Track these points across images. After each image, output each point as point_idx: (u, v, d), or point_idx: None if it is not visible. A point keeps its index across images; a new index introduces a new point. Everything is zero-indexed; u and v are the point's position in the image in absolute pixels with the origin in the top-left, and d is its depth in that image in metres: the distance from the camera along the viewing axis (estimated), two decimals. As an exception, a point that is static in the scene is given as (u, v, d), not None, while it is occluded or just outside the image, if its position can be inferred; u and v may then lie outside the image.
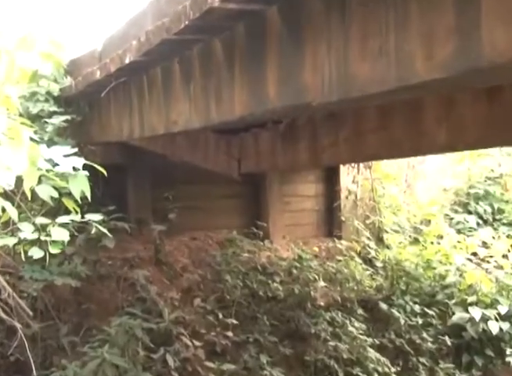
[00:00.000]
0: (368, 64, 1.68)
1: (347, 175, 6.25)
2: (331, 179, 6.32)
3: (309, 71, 1.92)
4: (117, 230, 4.17)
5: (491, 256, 5.91)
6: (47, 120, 4.19)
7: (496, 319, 5.20)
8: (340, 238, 6.08)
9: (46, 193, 2.59)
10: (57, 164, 2.64)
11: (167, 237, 5.21)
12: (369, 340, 5.07)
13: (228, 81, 2.41)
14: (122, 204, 5.18)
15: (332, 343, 4.93)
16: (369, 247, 6.02)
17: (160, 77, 3.04)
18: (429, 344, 5.28)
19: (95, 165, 2.80)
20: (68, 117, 4.22)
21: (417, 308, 5.52)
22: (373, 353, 4.95)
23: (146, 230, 5.28)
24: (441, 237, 6.22)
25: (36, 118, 4.17)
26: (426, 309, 5.49)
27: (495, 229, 6.52)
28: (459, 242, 6.07)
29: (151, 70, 3.08)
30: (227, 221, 5.80)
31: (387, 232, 6.26)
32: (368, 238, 6.06)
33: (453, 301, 5.50)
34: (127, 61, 2.92)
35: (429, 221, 6.55)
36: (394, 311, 5.38)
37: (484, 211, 6.68)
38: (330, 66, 1.82)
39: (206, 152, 4.92)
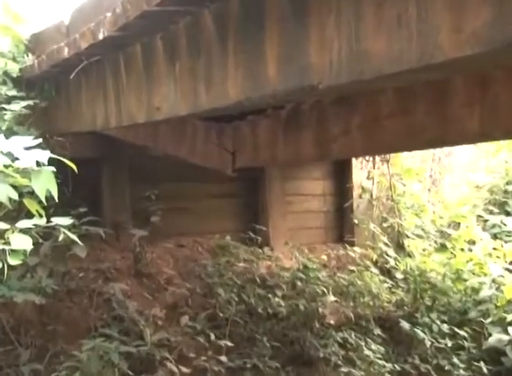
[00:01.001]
0: (384, 39, 1.68)
1: (361, 169, 6.26)
2: (342, 175, 6.34)
3: (315, 48, 1.93)
4: (89, 236, 4.17)
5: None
6: (5, 106, 4.17)
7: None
8: (352, 244, 6.10)
9: (3, 193, 2.59)
10: (17, 159, 2.64)
11: (148, 244, 5.21)
12: (389, 365, 5.08)
13: (221, 60, 2.42)
14: (96, 206, 5.18)
15: (344, 369, 4.93)
16: (388, 255, 6.04)
17: (139, 55, 3.05)
18: (461, 371, 5.27)
19: (64, 159, 2.81)
20: (30, 102, 4.20)
21: (446, 327, 5.52)
22: (393, 381, 4.98)
23: (124, 236, 5.28)
24: (474, 243, 6.23)
25: (-9, 104, 4.18)
26: (456, 329, 5.49)
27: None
28: (495, 249, 6.05)
29: (129, 47, 3.09)
30: (219, 224, 5.81)
31: (408, 237, 6.27)
32: (386, 244, 6.08)
33: (489, 319, 5.46)
34: (100, 37, 2.92)
35: (458, 224, 6.56)
36: (418, 331, 5.38)
37: (526, 211, 6.73)
38: (340, 42, 1.83)
39: (194, 143, 4.93)
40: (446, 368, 5.27)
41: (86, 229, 4.21)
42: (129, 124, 3.38)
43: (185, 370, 4.45)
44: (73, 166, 2.79)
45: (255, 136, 4.77)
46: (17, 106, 4.15)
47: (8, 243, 2.69)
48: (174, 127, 4.79)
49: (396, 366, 5.16)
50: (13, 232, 2.75)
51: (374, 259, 6.01)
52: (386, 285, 5.82)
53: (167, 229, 5.39)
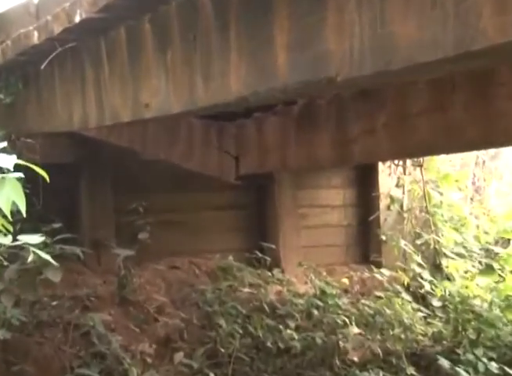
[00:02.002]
0: (414, 22, 1.69)
1: (389, 176, 6.28)
2: (366, 183, 6.36)
3: (332, 32, 1.94)
4: (64, 257, 4.18)
5: None
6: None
7: None
8: (379, 265, 6.11)
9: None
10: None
11: (136, 266, 5.24)
12: (425, 411, 5.09)
13: (221, 48, 2.43)
14: (72, 220, 5.21)
15: (370, 416, 4.94)
16: (422, 279, 6.03)
17: (124, 41, 3.06)
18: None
19: (33, 166, 2.82)
20: (-8, 97, 4.26)
21: (494, 366, 5.47)
22: None
23: (106, 256, 5.30)
24: (526, 264, 6.25)
25: None
26: (507, 369, 5.46)
27: None
28: (552, 271, 6.08)
29: (112, 31, 3.10)
30: (220, 242, 5.83)
31: (446, 256, 6.26)
32: (420, 265, 6.07)
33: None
34: (77, 19, 2.94)
35: (508, 240, 6.55)
36: (460, 370, 5.34)
37: None
38: (362, 25, 1.83)
39: (190, 146, 4.94)
40: (495, 415, 5.27)
41: (60, 248, 4.22)
42: (112, 124, 3.40)
43: (179, 417, 4.46)
44: (45, 173, 2.80)
45: (262, 137, 4.77)
46: (-24, 103, 4.20)
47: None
48: (166, 126, 4.80)
49: (434, 412, 5.16)
50: (-27, 253, 2.76)
51: (406, 283, 5.99)
52: (420, 314, 5.80)
53: (157, 247, 5.41)
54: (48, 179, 2.79)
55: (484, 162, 7.29)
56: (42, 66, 3.57)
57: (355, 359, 5.33)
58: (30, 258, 3.00)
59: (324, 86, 2.05)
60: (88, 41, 3.31)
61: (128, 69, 3.07)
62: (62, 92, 3.82)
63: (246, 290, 5.45)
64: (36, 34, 3.45)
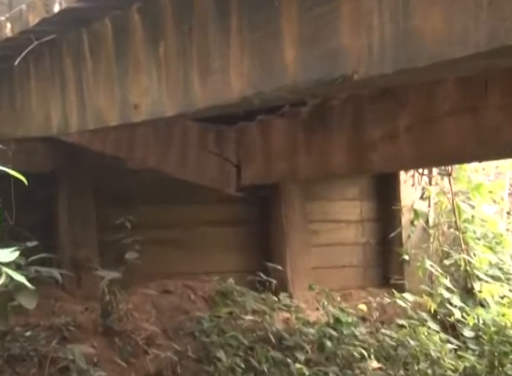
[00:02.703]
0: (442, 12, 1.69)
1: (412, 186, 6.29)
2: (386, 194, 6.39)
3: (348, 25, 1.94)
4: (40, 280, 4.18)
5: None
6: None
7: None
8: (402, 289, 6.10)
9: None
10: None
11: (122, 290, 5.20)
12: None
13: (221, 41, 2.43)
14: (50, 238, 5.23)
15: None
16: (451, 305, 6.01)
17: (110, 34, 3.07)
18: None
19: (7, 173, 2.82)
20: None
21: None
22: None
23: (87, 279, 5.31)
24: None
25: None
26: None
27: None
28: None
29: (96, 23, 3.11)
30: (219, 262, 5.86)
31: (479, 279, 6.25)
32: (448, 289, 6.06)
33: None
34: (56, 9, 2.95)
35: (551, 261, 6.54)
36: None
37: None
38: (382, 17, 1.83)
39: (184, 153, 4.95)
40: None
41: (36, 270, 4.22)
42: (96, 128, 3.41)
43: None
44: (21, 183, 2.80)
45: (267, 142, 4.78)
46: None
47: None
48: (157, 130, 4.81)
49: None
50: None
51: (432, 310, 5.98)
52: (450, 346, 5.79)
53: (147, 269, 5.41)
54: (22, 190, 2.79)
55: (522, 171, 7.29)
56: (16, 63, 3.56)
57: (375, 397, 5.33)
58: (1, 280, 3.00)
59: (339, 85, 2.04)
60: (69, 33, 3.32)
61: (114, 65, 3.08)
62: (38, 92, 3.82)
63: (249, 317, 5.44)
64: (9, 25, 3.46)
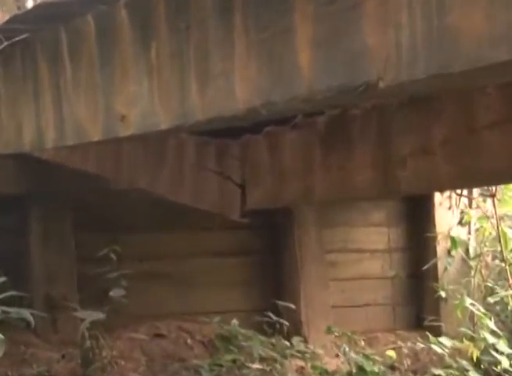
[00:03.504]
0: (482, 9, 1.69)
1: (449, 210, 6.27)
2: (418, 219, 6.35)
3: (372, 23, 1.93)
4: (8, 324, 4.17)
5: None
6: None
7: None
8: (438, 332, 6.06)
9: None
10: None
11: (106, 334, 5.21)
12: None
13: (223, 41, 2.42)
14: (20, 272, 5.21)
15: None
16: (497, 351, 5.95)
17: (93, 33, 3.06)
18: None
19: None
20: None
21: None
22: None
23: (64, 321, 5.30)
24: None
25: None
26: None
27: None
28: None
29: (76, 19, 3.11)
30: (220, 300, 5.83)
31: (532, 321, 6.22)
32: (493, 333, 6.02)
33: None
34: (29, 4, 2.95)
35: None
36: None
37: None
38: (412, 13, 1.82)
39: (179, 172, 4.94)
40: None
41: (3, 311, 4.21)
42: (76, 144, 3.39)
43: None
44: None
45: (277, 158, 4.77)
46: None
47: None
48: (149, 145, 4.81)
49: None
50: None
51: (475, 358, 5.94)
52: (494, 401, 5.78)
53: (136, 308, 5.40)
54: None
55: None
56: (-18, 66, 3.62)
57: None
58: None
59: (362, 94, 2.03)
60: (44, 32, 3.32)
61: (97, 69, 3.06)
62: (8, 100, 3.82)
63: (256, 366, 5.41)
64: (-26, 23, 3.49)
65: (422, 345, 5.96)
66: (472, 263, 6.26)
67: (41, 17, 3.10)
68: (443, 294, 6.12)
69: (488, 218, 6.25)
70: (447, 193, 6.21)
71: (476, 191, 6.26)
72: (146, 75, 2.80)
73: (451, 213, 6.28)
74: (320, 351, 5.81)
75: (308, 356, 5.72)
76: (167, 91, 2.72)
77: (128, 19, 2.85)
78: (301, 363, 5.66)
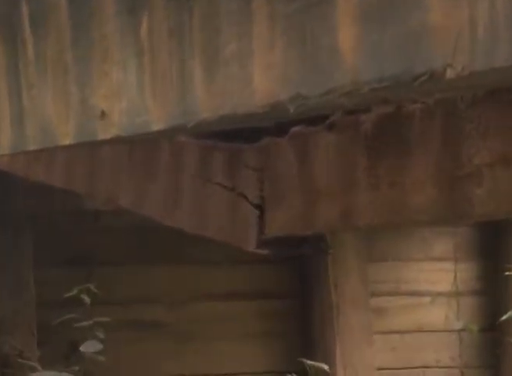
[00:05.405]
0: None
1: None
2: (495, 253, 6.41)
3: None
4: None
5: None
6: None
7: None
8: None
9: None
10: None
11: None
12: None
13: (237, 14, 2.42)
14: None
15: None
16: None
17: (64, 2, 3.11)
18: None
19: None
20: None
21: None
22: None
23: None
24: None
25: None
26: None
27: None
28: None
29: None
30: (232, 359, 5.90)
31: None
32: None
33: None
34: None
35: None
36: None
37: None
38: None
39: (175, 187, 4.95)
40: None
41: None
42: (40, 148, 3.42)
43: None
44: None
45: (308, 169, 4.78)
46: None
47: None
48: (135, 151, 4.85)
49: None
50: None
51: None
52: None
53: (117, 368, 5.44)
54: None
55: None
56: None
57: None
58: None
59: (423, 86, 2.04)
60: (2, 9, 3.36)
61: (69, 50, 3.04)
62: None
63: None
64: None
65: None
66: None
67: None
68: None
69: None
70: (535, 219, 6.26)
71: None
72: (134, 58, 2.76)
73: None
74: None
75: None
76: (162, 79, 2.71)
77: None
78: None
